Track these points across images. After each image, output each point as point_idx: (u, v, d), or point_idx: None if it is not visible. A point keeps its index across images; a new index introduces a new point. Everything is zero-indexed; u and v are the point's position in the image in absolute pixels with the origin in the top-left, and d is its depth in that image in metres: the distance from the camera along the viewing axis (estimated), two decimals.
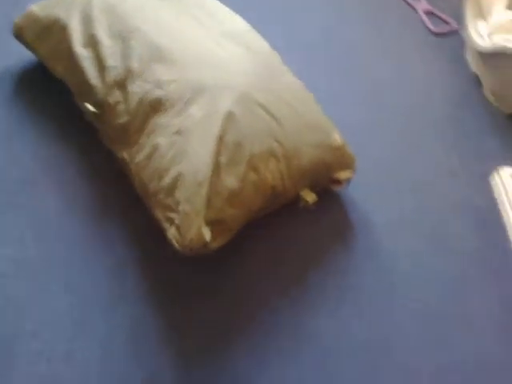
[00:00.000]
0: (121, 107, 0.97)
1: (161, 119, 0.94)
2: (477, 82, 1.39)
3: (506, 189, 1.19)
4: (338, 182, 1.08)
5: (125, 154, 0.96)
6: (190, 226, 0.86)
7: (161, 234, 0.92)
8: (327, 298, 0.98)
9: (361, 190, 1.12)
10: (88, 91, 1.01)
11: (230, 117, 0.93)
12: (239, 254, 0.98)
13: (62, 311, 0.90)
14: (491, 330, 0.99)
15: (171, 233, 0.87)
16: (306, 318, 0.95)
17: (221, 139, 0.91)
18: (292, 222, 1.05)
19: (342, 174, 1.07)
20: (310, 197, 1.01)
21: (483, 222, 1.14)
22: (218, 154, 0.90)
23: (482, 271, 1.06)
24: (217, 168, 0.90)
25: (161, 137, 0.92)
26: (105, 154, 1.04)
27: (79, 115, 1.06)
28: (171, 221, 0.88)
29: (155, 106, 0.95)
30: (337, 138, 1.05)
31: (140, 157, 0.93)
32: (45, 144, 1.08)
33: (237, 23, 1.12)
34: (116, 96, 0.98)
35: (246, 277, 0.98)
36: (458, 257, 1.07)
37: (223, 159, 0.91)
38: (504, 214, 1.16)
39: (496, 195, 1.20)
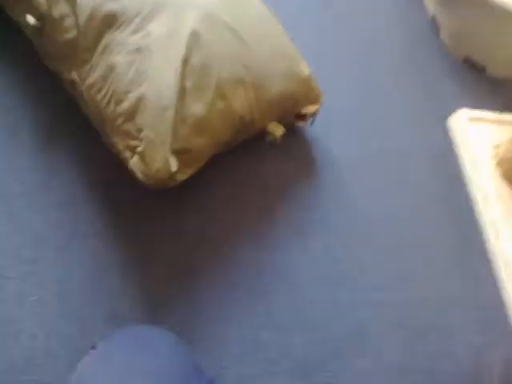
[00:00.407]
0: (68, 21, 0.85)
1: (116, 36, 0.83)
2: (434, 25, 1.38)
3: (462, 131, 1.20)
4: (304, 117, 1.03)
5: (74, 75, 0.85)
6: (155, 154, 0.77)
7: (116, 161, 0.83)
8: (293, 233, 0.94)
9: (324, 128, 1.09)
10: (29, 2, 0.87)
11: (195, 37, 0.84)
12: (202, 184, 0.92)
13: (11, 251, 0.80)
14: (449, 267, 1.01)
15: (133, 162, 0.78)
16: (272, 253, 0.91)
17: (186, 61, 0.82)
18: (257, 156, 1.00)
19: (309, 109, 1.02)
20: (278, 130, 0.95)
21: (441, 163, 1.14)
22: (183, 76, 0.81)
23: (440, 210, 1.07)
24: (182, 92, 0.81)
25: (117, 55, 0.82)
26: (49, 77, 0.92)
27: (18, 31, 0.92)
28: (132, 149, 0.79)
29: (109, 21, 0.84)
30: (304, 68, 0.99)
31: (93, 78, 0.82)
32: None
33: None
34: (62, 8, 0.85)
35: (210, 210, 0.92)
36: (417, 196, 1.08)
37: (189, 83, 0.82)
38: (460, 155, 1.17)
39: (453, 137, 1.20)
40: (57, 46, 0.86)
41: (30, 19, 0.86)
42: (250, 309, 0.85)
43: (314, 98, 1.02)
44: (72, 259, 0.81)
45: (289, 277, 0.90)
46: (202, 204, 0.92)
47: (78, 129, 0.91)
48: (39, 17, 0.86)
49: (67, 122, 0.91)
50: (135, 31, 0.83)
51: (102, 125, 0.83)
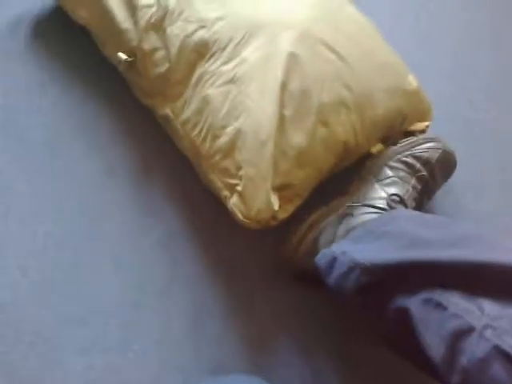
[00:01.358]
0: (159, 54, 0.82)
1: (209, 66, 0.79)
2: None
3: None
4: (412, 134, 0.93)
5: (167, 110, 0.81)
6: (255, 194, 0.71)
7: (216, 200, 0.79)
8: None
9: None
10: (118, 38, 0.85)
11: (292, 59, 0.77)
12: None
13: (115, 296, 0.78)
14: None
15: (233, 202, 0.73)
16: None
17: (284, 87, 0.75)
18: None
19: (418, 126, 0.91)
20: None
21: None
22: (281, 105, 0.75)
23: None
24: (281, 122, 0.75)
25: (211, 87, 0.77)
26: (142, 112, 0.90)
27: (109, 68, 0.91)
28: (232, 188, 0.74)
29: (200, 50, 0.79)
30: (412, 80, 0.89)
31: (187, 113, 0.78)
32: (72, 103, 0.93)
33: None
34: (152, 41, 0.82)
35: None
36: None
37: (288, 111, 0.75)
38: None
39: None
40: (149, 81, 0.83)
41: (122, 56, 0.84)
42: None
43: (423, 113, 0.91)
44: (173, 305, 0.78)
45: None
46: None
47: (173, 166, 0.87)
48: (130, 52, 0.84)
49: (162, 160, 0.88)
50: (229, 59, 0.78)
51: (198, 162, 0.79)
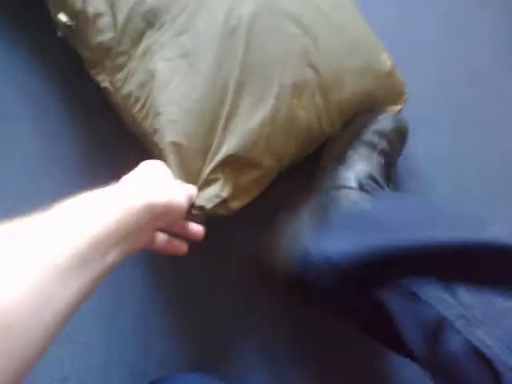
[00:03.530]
0: (103, 20, 0.72)
1: (158, 37, 0.70)
2: None
3: None
4: None
5: (107, 83, 0.73)
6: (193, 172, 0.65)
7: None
8: None
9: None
10: None
11: (252, 35, 0.69)
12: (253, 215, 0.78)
13: None
14: None
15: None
16: None
17: (241, 66, 0.68)
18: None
19: (390, 110, 0.85)
20: None
21: None
22: (237, 85, 0.67)
23: None
24: (235, 105, 0.67)
25: (159, 61, 0.69)
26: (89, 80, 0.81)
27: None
28: (173, 173, 0.67)
29: (150, 19, 0.70)
30: (386, 61, 0.81)
31: (130, 86, 0.70)
32: (19, 68, 0.84)
33: None
34: (98, 4, 0.72)
35: None
36: None
37: (245, 93, 0.68)
38: None
39: None
40: (91, 49, 0.74)
41: (63, 17, 0.74)
42: None
43: (396, 95, 0.84)
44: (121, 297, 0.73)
45: None
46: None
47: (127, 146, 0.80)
48: (73, 16, 0.74)
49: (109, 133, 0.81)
50: (180, 31, 0.69)
51: (142, 139, 0.72)
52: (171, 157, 0.68)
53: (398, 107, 0.85)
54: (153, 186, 0.54)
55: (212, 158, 0.68)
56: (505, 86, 1.00)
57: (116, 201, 0.47)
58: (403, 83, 0.84)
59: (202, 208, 0.68)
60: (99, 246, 0.42)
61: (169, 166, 0.68)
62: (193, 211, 0.67)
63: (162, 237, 0.59)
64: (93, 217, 0.44)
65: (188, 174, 0.68)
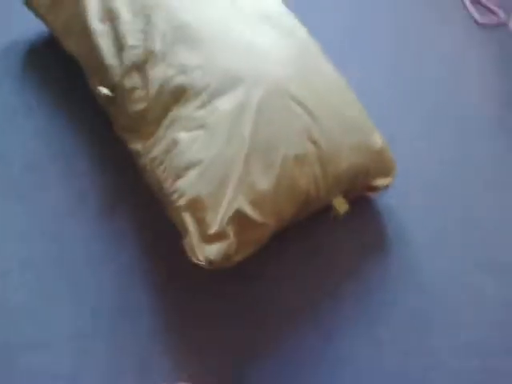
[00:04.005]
0: (138, 93, 0.86)
1: (182, 110, 0.83)
2: None
3: None
4: (375, 188, 0.97)
5: (139, 146, 0.85)
6: (207, 237, 0.75)
7: (177, 237, 0.82)
8: (359, 315, 0.88)
9: (398, 197, 1.02)
10: (102, 72, 0.89)
11: (262, 113, 0.82)
12: (260, 260, 0.88)
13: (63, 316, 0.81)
14: None
15: (187, 241, 0.77)
16: (335, 339, 0.85)
17: (252, 139, 0.80)
18: (319, 229, 0.95)
19: (380, 181, 0.96)
20: (342, 207, 0.89)
21: None
22: (247, 155, 0.79)
23: None
24: (245, 172, 0.79)
25: (182, 131, 0.81)
26: (119, 144, 0.94)
27: (93, 97, 0.95)
28: (187, 228, 0.78)
29: (177, 94, 0.84)
30: (378, 140, 0.94)
31: (156, 151, 0.82)
32: (53, 129, 0.97)
33: (272, 3, 0.99)
34: (134, 80, 0.86)
35: (267, 288, 0.88)
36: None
37: (253, 161, 0.80)
38: None
39: None
40: (126, 117, 0.87)
41: (103, 90, 0.88)
42: None
43: (386, 170, 0.96)
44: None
45: (355, 365, 0.83)
46: (259, 281, 0.89)
47: (141, 199, 0.91)
48: (111, 87, 0.88)
49: (131, 192, 0.92)
50: (202, 106, 0.82)
51: (161, 198, 0.83)
52: (186, 214, 0.79)
53: (389, 180, 0.96)
54: None
55: (223, 215, 0.78)
56: None
57: None
58: (393, 160, 0.96)
59: (211, 262, 0.78)
60: None
61: (184, 221, 0.78)
62: (202, 264, 0.76)
63: None
64: None
65: (200, 229, 0.78)
